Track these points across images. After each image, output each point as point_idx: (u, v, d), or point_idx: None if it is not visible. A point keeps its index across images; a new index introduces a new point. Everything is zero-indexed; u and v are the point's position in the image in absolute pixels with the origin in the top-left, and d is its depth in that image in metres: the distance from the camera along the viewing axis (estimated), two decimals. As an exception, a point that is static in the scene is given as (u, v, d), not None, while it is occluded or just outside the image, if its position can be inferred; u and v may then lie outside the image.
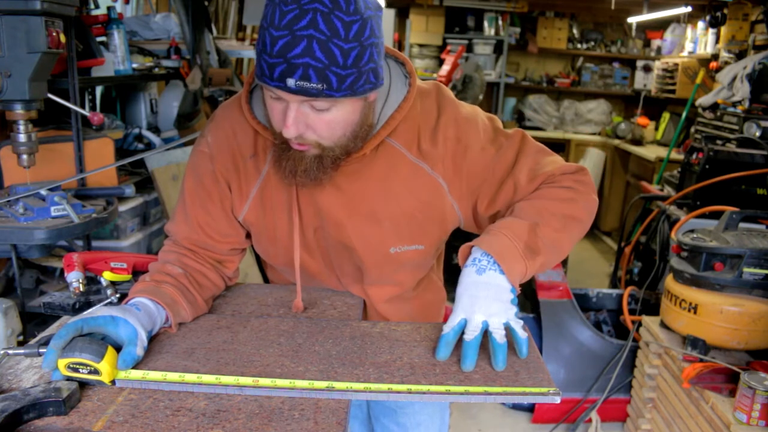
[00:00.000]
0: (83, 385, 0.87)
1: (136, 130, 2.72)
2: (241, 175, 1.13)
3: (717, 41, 4.41)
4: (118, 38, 2.29)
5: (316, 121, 0.96)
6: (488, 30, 5.74)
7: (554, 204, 1.06)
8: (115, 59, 2.29)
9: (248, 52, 3.69)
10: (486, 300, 0.96)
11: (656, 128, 5.38)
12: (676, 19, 5.31)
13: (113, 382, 0.88)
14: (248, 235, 1.22)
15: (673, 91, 5.05)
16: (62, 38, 1.55)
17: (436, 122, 1.10)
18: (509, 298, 0.98)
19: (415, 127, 1.10)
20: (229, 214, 1.16)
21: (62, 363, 0.85)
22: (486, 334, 0.95)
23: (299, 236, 1.14)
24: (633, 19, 5.57)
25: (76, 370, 0.86)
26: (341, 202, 1.11)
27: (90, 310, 0.93)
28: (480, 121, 1.13)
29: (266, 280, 1.45)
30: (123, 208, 2.19)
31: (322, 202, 1.11)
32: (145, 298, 1.01)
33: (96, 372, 0.86)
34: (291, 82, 0.90)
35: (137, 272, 1.22)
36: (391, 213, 1.11)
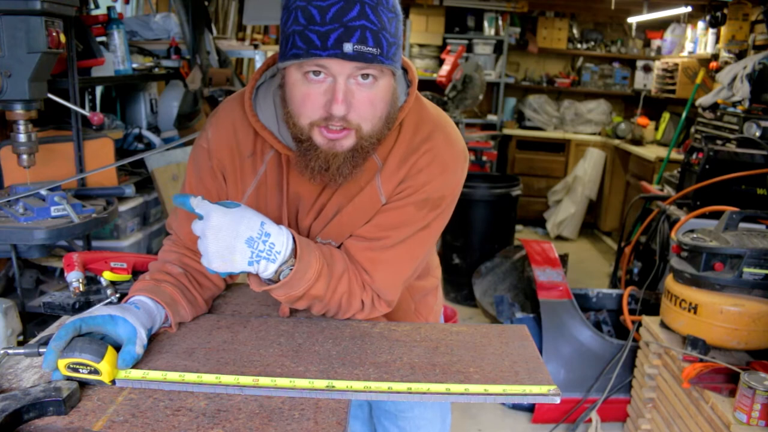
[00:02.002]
0: (83, 384, 0.87)
1: (136, 130, 2.72)
2: (238, 173, 1.12)
3: (717, 41, 4.41)
4: (118, 38, 2.29)
5: (360, 98, 0.95)
6: (488, 30, 5.74)
7: (341, 300, 1.05)
8: (115, 59, 2.29)
9: (248, 52, 3.69)
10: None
11: (656, 128, 5.38)
12: (676, 19, 5.30)
13: (113, 381, 0.88)
14: None
15: (673, 91, 5.05)
16: (62, 38, 1.55)
17: (418, 146, 1.06)
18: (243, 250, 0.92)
19: (393, 139, 1.07)
20: None
21: (62, 363, 0.85)
22: None
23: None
24: (633, 19, 5.56)
25: (76, 370, 0.86)
26: (317, 208, 1.10)
27: (89, 310, 0.93)
28: (449, 175, 1.08)
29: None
30: (123, 208, 2.19)
31: (301, 206, 1.11)
32: (145, 297, 1.00)
33: (96, 372, 0.86)
34: (348, 46, 0.89)
35: (137, 272, 1.22)
36: (335, 217, 1.10)
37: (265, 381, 0.88)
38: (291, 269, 0.96)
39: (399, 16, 0.96)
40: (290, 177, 1.09)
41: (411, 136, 1.07)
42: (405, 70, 1.10)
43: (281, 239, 0.94)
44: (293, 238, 0.97)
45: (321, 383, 0.88)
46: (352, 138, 0.98)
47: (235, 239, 0.90)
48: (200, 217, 0.91)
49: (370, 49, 0.90)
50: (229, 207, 0.92)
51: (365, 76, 0.93)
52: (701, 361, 2.05)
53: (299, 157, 1.02)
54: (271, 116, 1.08)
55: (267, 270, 0.94)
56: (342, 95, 0.92)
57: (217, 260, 0.91)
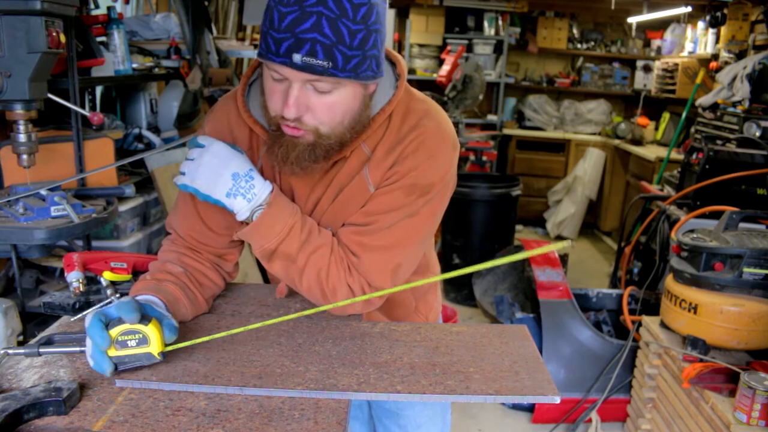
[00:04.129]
0: (83, 385, 0.87)
1: (136, 130, 2.71)
2: None
3: (717, 41, 4.41)
4: (118, 38, 2.29)
5: (317, 103, 0.96)
6: (488, 30, 5.74)
7: (319, 269, 1.05)
8: (115, 59, 2.29)
9: (248, 52, 3.69)
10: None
11: (656, 128, 5.38)
12: (676, 19, 5.30)
13: (162, 355, 0.89)
14: None
15: (673, 91, 5.05)
16: (62, 38, 1.55)
17: (405, 134, 1.07)
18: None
19: (383, 130, 1.08)
20: None
21: (115, 332, 0.86)
22: None
23: None
24: (633, 19, 5.56)
25: (124, 345, 0.86)
26: (313, 199, 1.12)
27: (105, 308, 0.91)
28: (437, 162, 1.08)
29: (266, 280, 1.45)
30: (123, 208, 2.19)
31: (296, 197, 1.13)
32: (150, 296, 1.01)
33: (145, 341, 0.87)
34: (297, 57, 0.90)
35: (137, 272, 1.22)
36: (329, 208, 1.12)
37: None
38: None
39: (372, 27, 0.93)
40: (282, 172, 1.10)
41: (399, 126, 1.08)
42: (393, 64, 1.11)
43: (262, 185, 1.04)
44: (272, 188, 1.05)
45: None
46: (310, 136, 1.00)
47: (224, 169, 1.01)
48: (200, 146, 1.03)
49: (320, 62, 0.90)
50: (234, 148, 1.04)
51: (320, 85, 0.95)
52: (701, 361, 2.05)
53: (270, 142, 1.05)
54: (261, 109, 1.10)
55: (242, 208, 1.03)
56: (293, 100, 0.95)
57: (201, 178, 1.01)
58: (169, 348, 0.91)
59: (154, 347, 0.88)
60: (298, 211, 1.07)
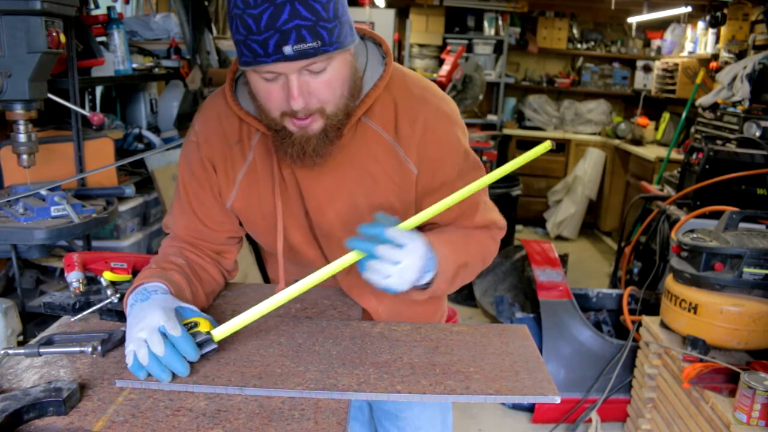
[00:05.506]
0: (83, 385, 0.87)
1: (136, 130, 2.72)
2: (227, 160, 1.14)
3: (717, 41, 4.41)
4: (118, 38, 2.29)
5: (316, 85, 0.97)
6: (488, 30, 5.74)
7: (482, 253, 1.19)
8: (115, 59, 2.29)
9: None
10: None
11: (656, 128, 5.38)
12: (676, 19, 5.30)
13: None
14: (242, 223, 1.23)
15: (673, 91, 5.05)
16: (62, 38, 1.55)
17: (419, 106, 1.11)
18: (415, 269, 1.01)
19: (392, 107, 1.10)
20: (220, 200, 1.17)
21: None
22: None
23: (283, 221, 1.15)
24: (633, 19, 5.56)
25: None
26: (322, 187, 1.12)
27: (147, 320, 0.91)
28: (459, 127, 1.15)
29: (266, 280, 1.45)
30: (123, 208, 2.19)
31: (304, 187, 1.12)
32: (159, 282, 1.02)
33: (195, 325, 0.93)
34: (288, 49, 0.91)
35: (137, 272, 1.22)
36: (367, 194, 1.12)
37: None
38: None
39: None
40: (280, 158, 1.11)
41: (407, 100, 1.11)
42: (378, 45, 1.13)
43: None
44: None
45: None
46: (319, 121, 1.01)
47: (423, 260, 1.01)
48: (399, 246, 0.97)
49: (310, 44, 0.92)
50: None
51: (315, 66, 0.96)
52: (701, 361, 2.05)
53: (277, 145, 1.05)
54: (251, 102, 1.11)
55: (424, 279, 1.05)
56: (297, 90, 0.96)
57: (409, 280, 0.99)
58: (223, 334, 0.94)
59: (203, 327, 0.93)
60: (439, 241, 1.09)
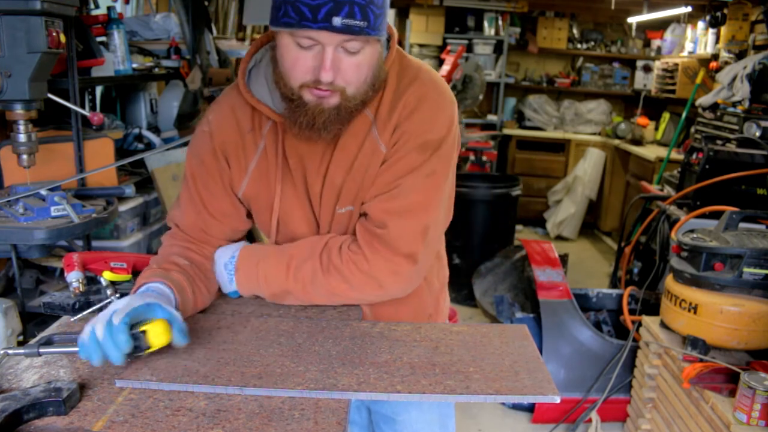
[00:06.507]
0: (83, 385, 0.87)
1: (136, 130, 2.72)
2: (240, 150, 1.16)
3: (717, 41, 4.41)
4: (118, 38, 2.29)
5: (347, 64, 1.00)
6: (488, 30, 5.74)
7: (331, 280, 1.11)
8: (115, 59, 2.29)
9: (248, 52, 3.68)
10: None
11: (656, 128, 5.38)
12: (676, 19, 5.30)
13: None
14: (249, 215, 1.24)
15: (673, 91, 5.05)
16: (62, 38, 1.55)
17: (406, 88, 1.11)
18: None
19: (381, 91, 1.11)
20: (229, 191, 1.18)
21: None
22: None
23: (288, 212, 1.17)
24: (633, 19, 5.56)
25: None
26: (319, 172, 1.14)
27: (114, 304, 0.92)
28: (443, 113, 1.11)
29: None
30: (123, 208, 2.18)
31: (309, 173, 1.14)
32: (158, 283, 1.02)
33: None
34: (337, 20, 0.93)
35: (137, 272, 1.22)
36: (345, 180, 1.13)
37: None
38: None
39: None
40: (287, 144, 1.13)
41: (396, 84, 1.12)
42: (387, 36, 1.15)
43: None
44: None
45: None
46: (337, 97, 1.03)
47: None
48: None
49: (358, 22, 0.94)
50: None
51: (352, 45, 0.98)
52: (701, 361, 2.05)
53: (288, 114, 1.06)
54: (265, 92, 1.14)
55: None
56: (330, 63, 0.98)
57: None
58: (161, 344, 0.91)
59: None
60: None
